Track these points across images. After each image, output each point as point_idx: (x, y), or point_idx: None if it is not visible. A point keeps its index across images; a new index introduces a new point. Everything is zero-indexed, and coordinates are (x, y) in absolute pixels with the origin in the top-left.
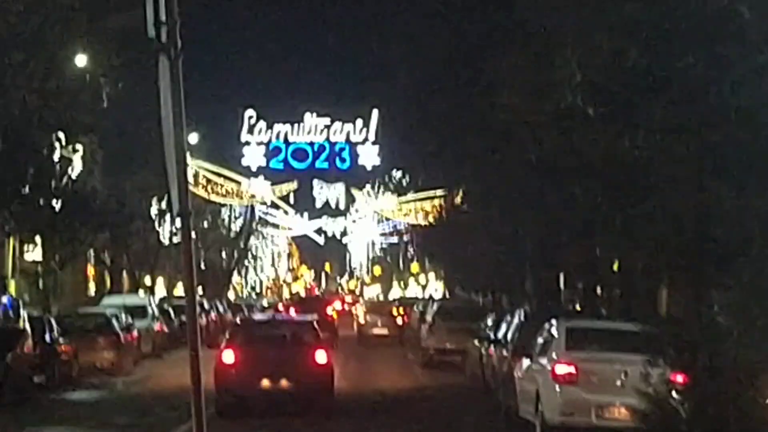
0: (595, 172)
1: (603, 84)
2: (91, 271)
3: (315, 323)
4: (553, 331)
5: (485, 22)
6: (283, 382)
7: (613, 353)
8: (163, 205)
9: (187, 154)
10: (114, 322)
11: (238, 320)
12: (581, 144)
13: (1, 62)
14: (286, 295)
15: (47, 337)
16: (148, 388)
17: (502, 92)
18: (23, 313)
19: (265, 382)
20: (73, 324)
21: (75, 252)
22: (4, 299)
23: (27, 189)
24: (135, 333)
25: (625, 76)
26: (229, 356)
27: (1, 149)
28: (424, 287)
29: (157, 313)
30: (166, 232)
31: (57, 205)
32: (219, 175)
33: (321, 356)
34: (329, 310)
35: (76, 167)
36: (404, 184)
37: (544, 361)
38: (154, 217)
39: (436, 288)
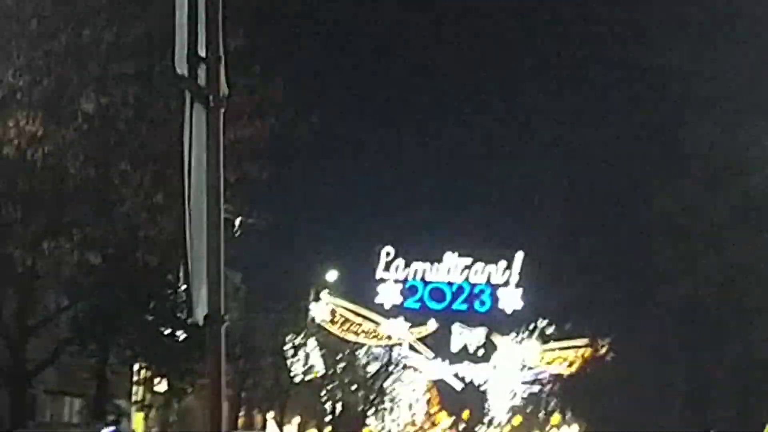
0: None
1: None
2: (227, 406)
3: None
4: None
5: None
6: None
7: None
8: (297, 340)
9: (324, 292)
10: None
11: None
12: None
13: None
14: None
15: None
16: None
17: (653, 236)
18: None
19: None
20: None
21: (192, 385)
22: (108, 430)
23: (148, 316)
24: None
25: None
26: None
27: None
28: None
29: None
30: (299, 368)
31: (179, 334)
32: (356, 314)
33: None
34: None
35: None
36: (548, 331)
37: None
38: (287, 352)
39: None
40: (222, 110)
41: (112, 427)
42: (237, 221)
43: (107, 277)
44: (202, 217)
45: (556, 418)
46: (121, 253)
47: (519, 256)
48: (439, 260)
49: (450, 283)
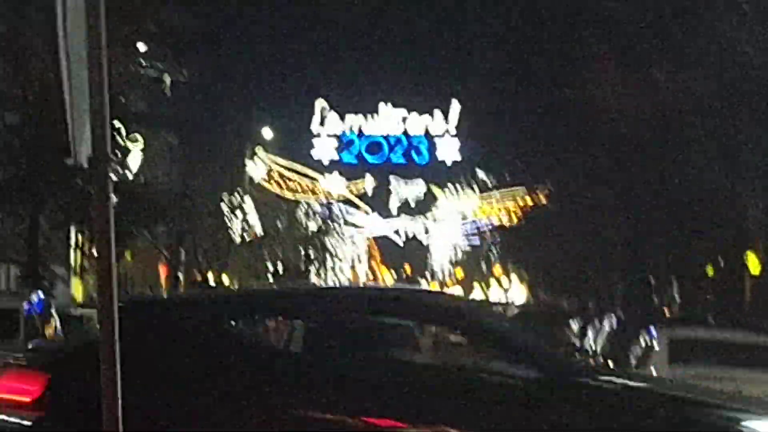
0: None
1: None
2: (163, 269)
3: None
4: (653, 341)
5: (566, 6)
6: None
7: (726, 368)
8: (234, 200)
9: (259, 149)
10: None
11: None
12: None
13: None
14: None
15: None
16: None
17: (591, 79)
18: (54, 313)
19: None
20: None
21: (126, 247)
22: (35, 298)
23: (79, 180)
24: None
25: None
26: None
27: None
28: (506, 290)
29: None
30: (237, 228)
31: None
32: (292, 171)
33: None
34: None
35: (136, 159)
36: (486, 182)
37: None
38: (226, 213)
39: (519, 291)
40: None
41: (40, 294)
42: (167, 79)
43: (29, 137)
44: (82, 42)
45: (497, 268)
46: (42, 110)
47: (455, 104)
48: (375, 112)
49: (386, 136)
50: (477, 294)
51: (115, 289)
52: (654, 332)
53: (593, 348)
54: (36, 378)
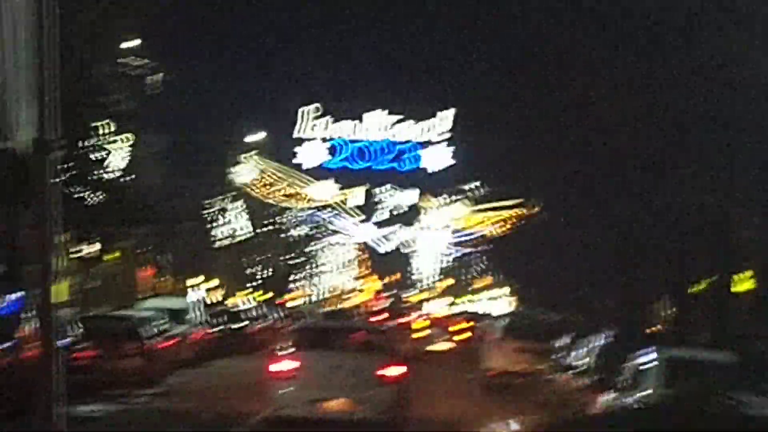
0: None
1: None
2: (148, 270)
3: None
4: (648, 360)
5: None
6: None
7: (723, 391)
8: (223, 203)
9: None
10: (143, 326)
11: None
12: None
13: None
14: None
15: (58, 343)
16: (171, 401)
17: (589, 89)
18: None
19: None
20: (99, 328)
21: (112, 246)
22: (11, 298)
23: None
24: (171, 339)
25: None
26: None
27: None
28: (495, 300)
29: (202, 318)
30: (224, 232)
31: (94, 197)
32: (284, 175)
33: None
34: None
35: (121, 159)
36: (479, 192)
37: (634, 396)
38: (211, 216)
39: (509, 301)
40: None
41: (20, 294)
42: (155, 77)
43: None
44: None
45: (486, 279)
46: None
47: (450, 112)
48: (364, 117)
49: (375, 142)
50: (465, 304)
51: (51, 285)
52: (650, 352)
53: (584, 364)
54: None
